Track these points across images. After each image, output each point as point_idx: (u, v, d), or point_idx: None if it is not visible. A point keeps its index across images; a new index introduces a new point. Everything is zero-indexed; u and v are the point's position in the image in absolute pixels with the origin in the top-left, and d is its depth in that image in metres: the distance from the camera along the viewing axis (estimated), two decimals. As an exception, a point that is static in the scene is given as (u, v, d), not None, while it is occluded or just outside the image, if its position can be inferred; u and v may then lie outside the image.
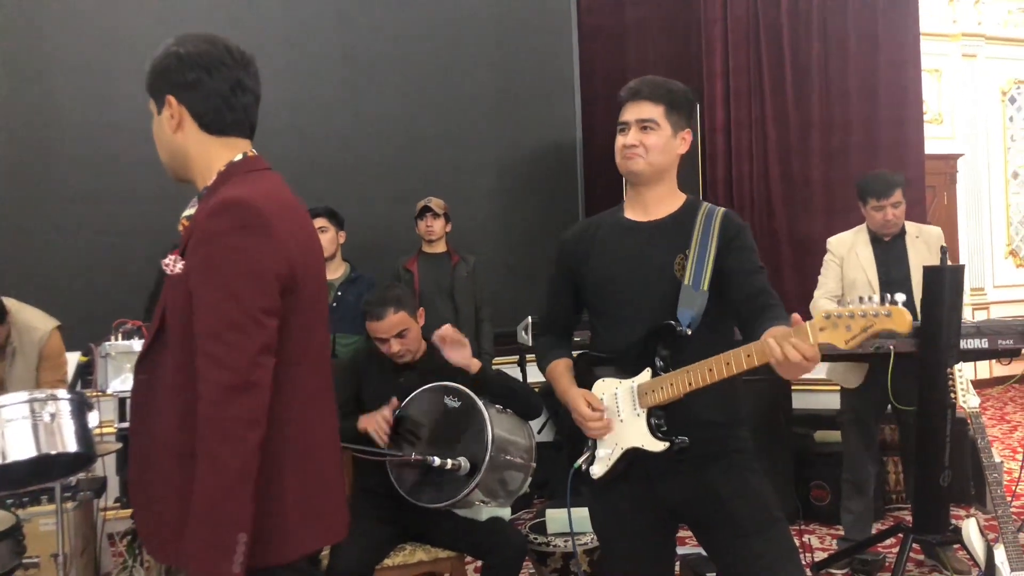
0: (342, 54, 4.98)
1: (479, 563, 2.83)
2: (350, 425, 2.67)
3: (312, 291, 1.50)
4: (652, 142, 1.94)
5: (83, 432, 2.30)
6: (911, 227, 3.49)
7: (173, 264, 1.45)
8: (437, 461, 2.49)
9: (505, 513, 2.80)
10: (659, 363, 1.88)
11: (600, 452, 1.95)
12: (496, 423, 2.58)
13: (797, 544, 3.70)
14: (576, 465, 1.97)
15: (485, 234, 5.14)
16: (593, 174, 5.57)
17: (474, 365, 2.71)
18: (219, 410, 1.32)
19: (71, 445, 2.26)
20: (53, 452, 2.20)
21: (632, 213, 2.03)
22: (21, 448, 2.18)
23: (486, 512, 2.74)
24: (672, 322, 1.85)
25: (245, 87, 1.52)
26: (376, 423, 2.66)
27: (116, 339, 3.19)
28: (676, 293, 1.89)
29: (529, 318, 4.08)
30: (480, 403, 2.59)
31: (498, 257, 5.09)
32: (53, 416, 2.23)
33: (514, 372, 4.65)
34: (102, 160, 4.41)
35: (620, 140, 1.98)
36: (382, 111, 5.04)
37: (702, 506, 1.91)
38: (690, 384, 1.80)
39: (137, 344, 3.12)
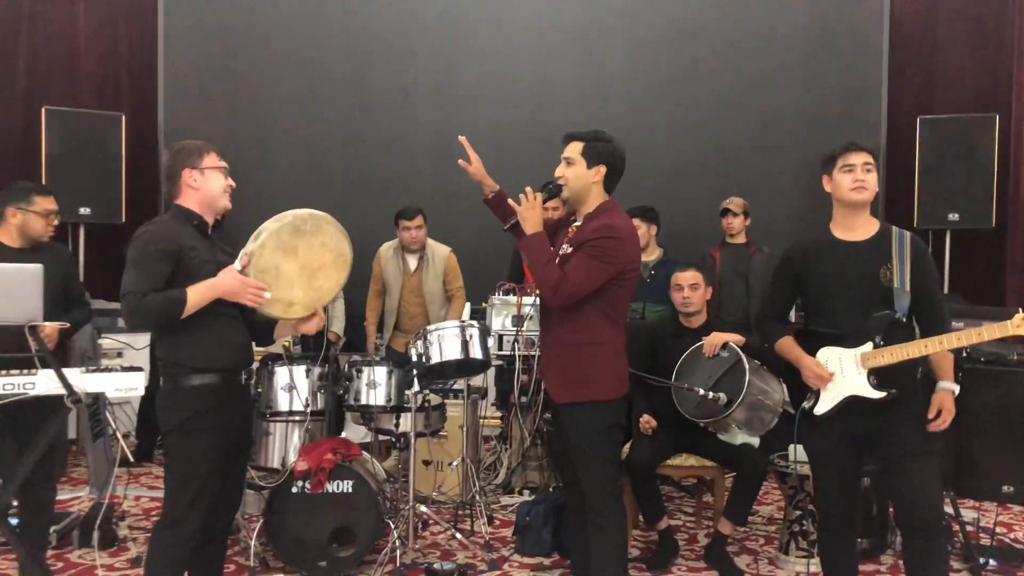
0: (670, 75, 6.14)
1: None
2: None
3: (634, 274, 2.87)
4: (873, 179, 2.81)
5: (485, 348, 3.80)
6: None
7: (566, 249, 2.81)
8: (702, 391, 3.59)
9: (754, 442, 3.81)
10: (878, 340, 2.79)
11: (825, 396, 2.86)
12: (753, 372, 3.59)
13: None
14: (804, 406, 2.91)
15: (782, 229, 5.86)
16: (897, 182, 5.94)
17: (738, 340, 3.73)
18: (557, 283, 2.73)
19: (478, 354, 3.76)
20: (470, 356, 3.71)
21: (839, 232, 2.89)
22: (453, 352, 3.72)
23: (740, 438, 3.77)
24: (892, 312, 2.75)
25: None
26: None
27: (498, 295, 4.71)
28: (883, 293, 2.78)
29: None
30: (743, 356, 3.62)
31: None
32: (471, 336, 3.74)
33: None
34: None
35: (850, 177, 2.80)
36: (700, 119, 6.12)
37: (885, 433, 2.79)
38: (907, 354, 2.71)
39: (512, 298, 4.61)
